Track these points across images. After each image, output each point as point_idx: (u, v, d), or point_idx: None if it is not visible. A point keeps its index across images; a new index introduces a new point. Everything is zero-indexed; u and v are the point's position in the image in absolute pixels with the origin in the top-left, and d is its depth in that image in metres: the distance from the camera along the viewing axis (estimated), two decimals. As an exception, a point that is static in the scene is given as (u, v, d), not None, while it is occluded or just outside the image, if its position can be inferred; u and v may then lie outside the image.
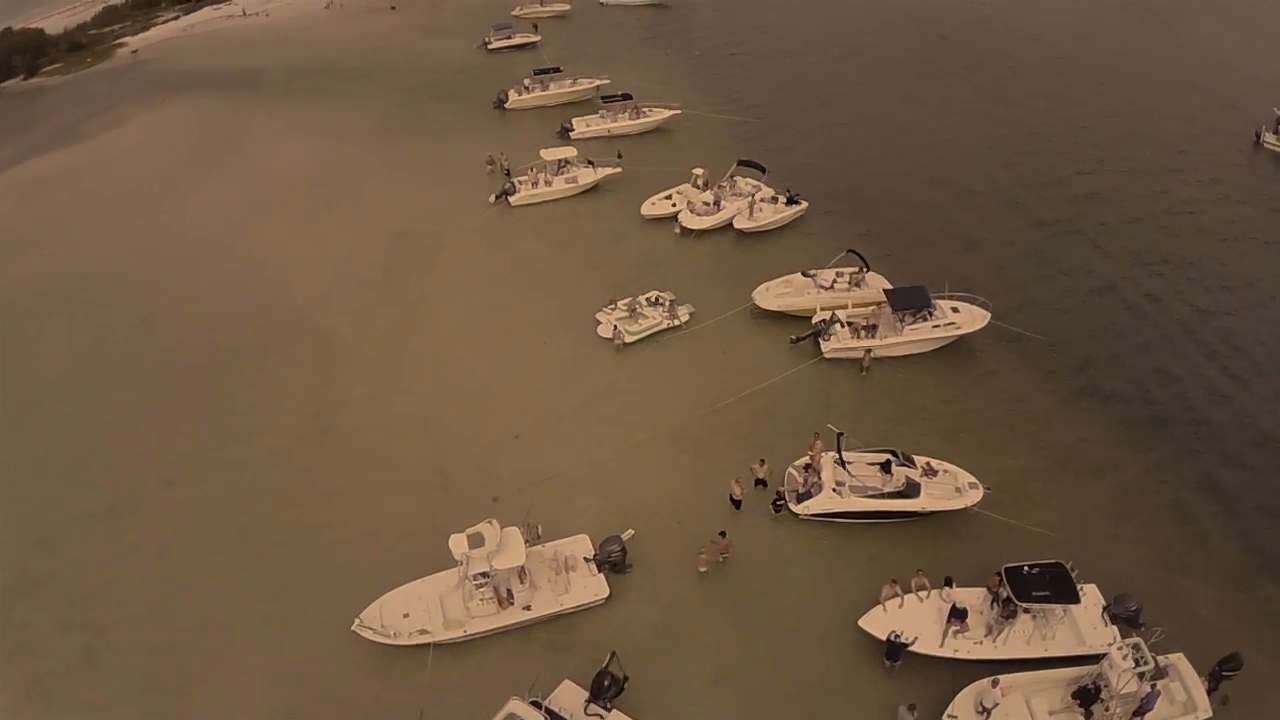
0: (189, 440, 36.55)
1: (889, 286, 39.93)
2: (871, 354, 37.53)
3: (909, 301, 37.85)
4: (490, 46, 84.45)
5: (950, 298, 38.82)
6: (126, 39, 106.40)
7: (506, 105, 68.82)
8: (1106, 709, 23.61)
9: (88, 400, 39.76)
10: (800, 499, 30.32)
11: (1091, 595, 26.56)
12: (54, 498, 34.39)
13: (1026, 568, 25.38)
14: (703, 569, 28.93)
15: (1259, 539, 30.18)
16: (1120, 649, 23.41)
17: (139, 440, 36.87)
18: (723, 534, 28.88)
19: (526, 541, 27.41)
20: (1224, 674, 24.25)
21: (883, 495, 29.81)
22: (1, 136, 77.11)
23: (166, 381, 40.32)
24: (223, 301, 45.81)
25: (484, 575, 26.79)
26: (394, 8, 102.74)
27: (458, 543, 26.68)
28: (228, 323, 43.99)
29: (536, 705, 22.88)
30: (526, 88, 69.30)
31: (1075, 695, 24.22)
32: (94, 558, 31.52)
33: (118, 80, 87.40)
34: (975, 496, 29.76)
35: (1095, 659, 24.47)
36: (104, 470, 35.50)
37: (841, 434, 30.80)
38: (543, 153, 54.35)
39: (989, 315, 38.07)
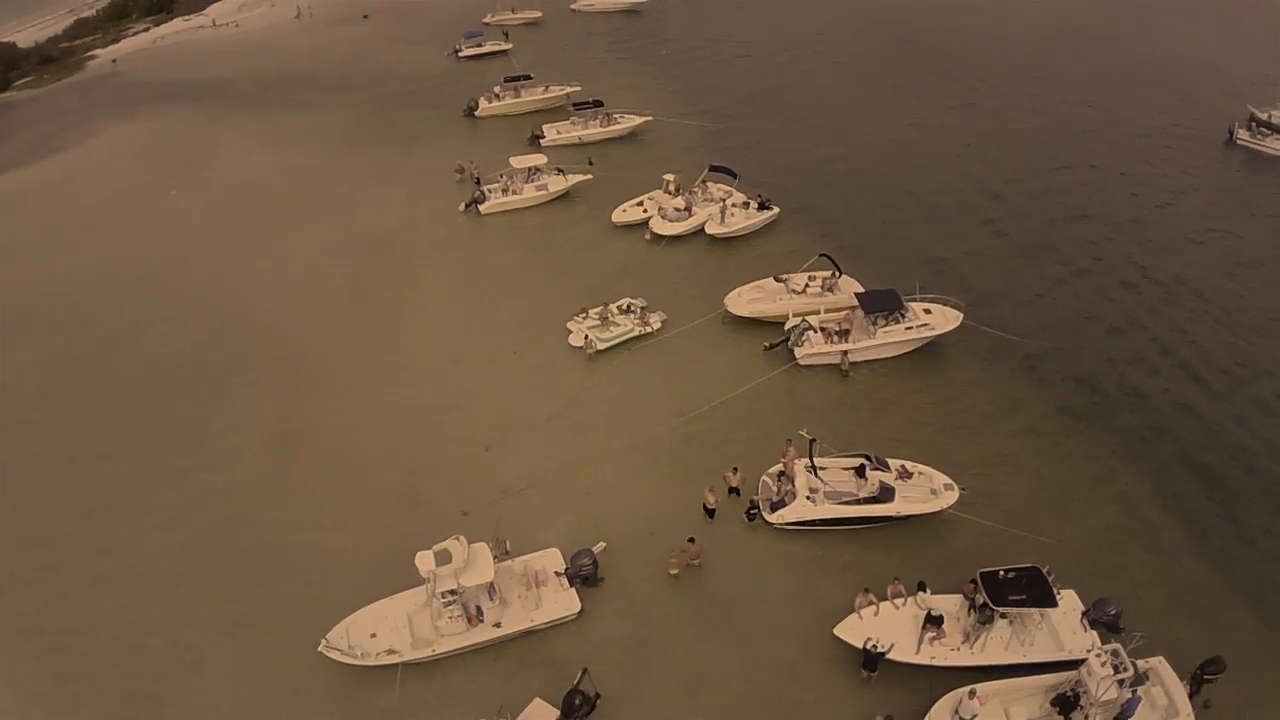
0: (151, 458, 35.61)
1: (861, 290, 39.68)
2: (849, 357, 37.22)
3: (881, 304, 37.66)
4: (461, 54, 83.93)
5: (922, 300, 38.63)
6: (97, 51, 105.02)
7: (477, 113, 68.31)
8: (1086, 716, 23.31)
9: (55, 412, 38.83)
10: (774, 507, 29.90)
11: (1070, 600, 26.35)
12: (19, 505, 33.74)
13: (1002, 572, 25.05)
14: (674, 571, 28.61)
15: (1245, 535, 30.26)
16: (1099, 655, 23.12)
17: (100, 459, 35.87)
18: (691, 540, 28.61)
19: (495, 557, 26.84)
20: (1206, 677, 24.00)
21: (857, 501, 29.45)
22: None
23: (133, 395, 39.40)
24: (192, 316, 44.82)
25: (452, 593, 26.19)
26: (366, 17, 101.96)
27: (424, 560, 26.05)
28: (196, 337, 43.03)
29: (506, 726, 22.31)
30: (497, 95, 68.84)
31: (1054, 703, 23.91)
32: (50, 581, 30.59)
33: (88, 93, 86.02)
34: (951, 498, 29.50)
35: (1075, 664, 24.12)
36: (60, 490, 34.51)
37: (814, 440, 30.42)
38: (512, 160, 53.80)
39: (961, 316, 37.98)
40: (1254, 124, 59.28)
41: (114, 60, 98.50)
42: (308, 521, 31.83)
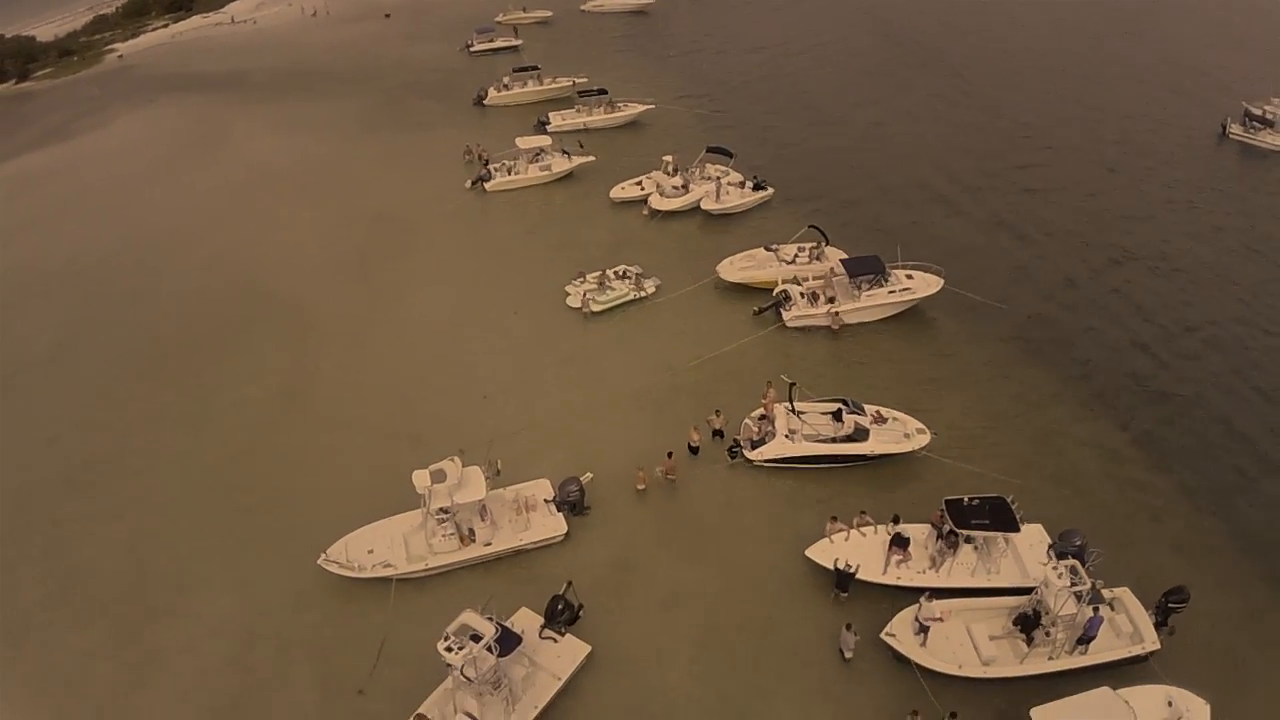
0: (166, 404, 37.44)
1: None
2: (840, 319, 38.71)
3: (864, 268, 39.19)
4: (472, 49, 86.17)
5: (904, 266, 40.11)
6: (116, 45, 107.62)
7: (485, 102, 70.26)
8: (1047, 634, 24.33)
9: (68, 371, 40.61)
10: (755, 446, 31.35)
11: (1036, 533, 27.40)
12: (37, 453, 35.34)
13: (967, 499, 26.33)
14: (640, 487, 30.38)
15: (1205, 478, 31.56)
16: (1055, 569, 24.28)
17: (117, 405, 37.74)
18: (669, 455, 30.39)
19: (487, 479, 28.28)
20: (1171, 606, 24.97)
21: (833, 440, 30.83)
22: (-7, 138, 78.17)
23: (146, 351, 41.22)
24: (203, 282, 46.64)
25: (445, 511, 27.66)
26: (388, 16, 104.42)
27: (420, 478, 27.49)
28: (207, 301, 44.82)
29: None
30: (505, 85, 70.84)
31: (1016, 621, 25.04)
32: (73, 504, 32.53)
33: (107, 84, 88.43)
34: (923, 441, 30.92)
35: (1040, 593, 25.23)
36: (82, 430, 36.40)
37: (794, 384, 31.94)
38: (518, 141, 55.70)
39: (942, 281, 39.40)
40: (1247, 118, 60.90)
41: (120, 55, 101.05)
42: (312, 457, 33.48)
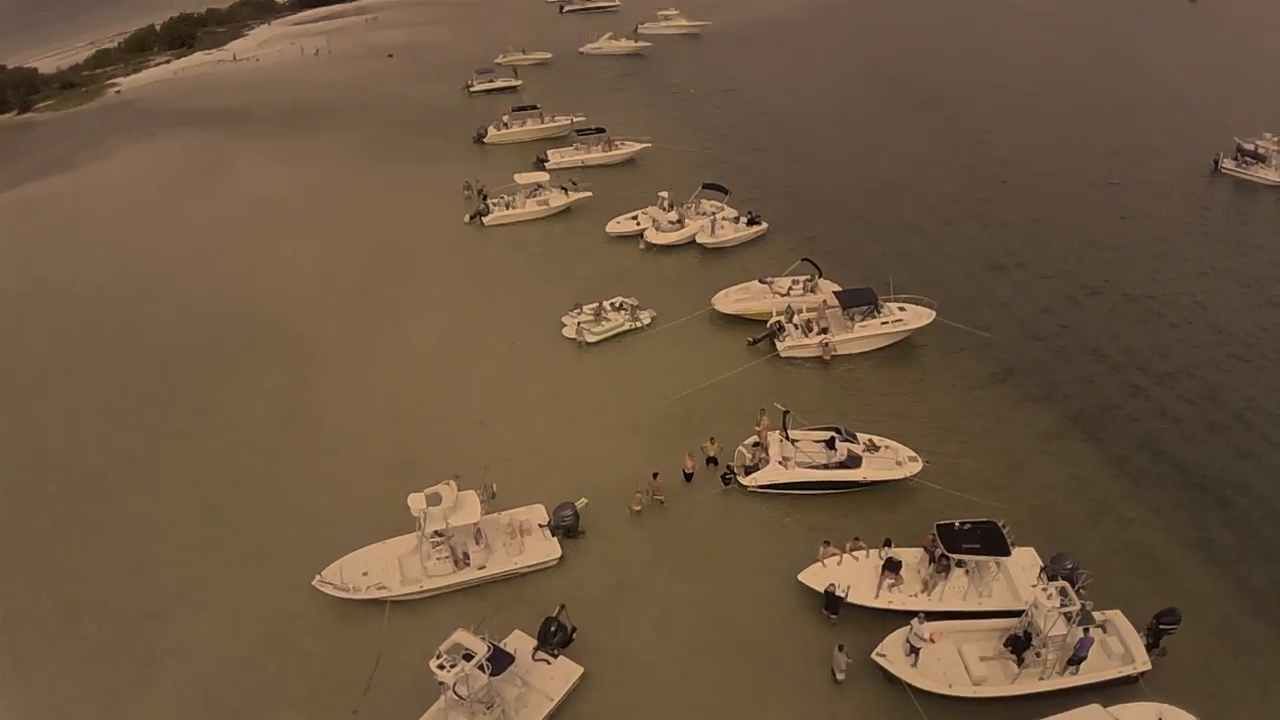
0: (167, 423, 37.86)
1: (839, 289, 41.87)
2: (833, 348, 39.22)
3: (857, 300, 39.81)
4: (473, 89, 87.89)
5: (897, 299, 40.70)
6: (118, 80, 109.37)
7: (485, 140, 71.50)
8: (1038, 655, 24.42)
9: (70, 390, 41.16)
10: (748, 472, 31.62)
11: (1028, 557, 27.62)
12: (36, 470, 35.75)
13: (959, 524, 26.57)
14: (636, 508, 30.67)
15: (1193, 501, 31.93)
16: (1045, 590, 24.45)
17: (119, 423, 38.21)
18: (655, 475, 30.76)
19: (483, 503, 28.49)
20: (1162, 627, 25.07)
21: (826, 466, 31.13)
22: (-5, 165, 79.35)
23: (146, 374, 41.86)
24: (204, 308, 47.31)
25: (440, 534, 27.83)
26: (391, 56, 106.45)
27: (416, 500, 27.74)
28: (208, 327, 45.41)
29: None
30: (505, 123, 72.14)
31: (1006, 643, 25.16)
32: (73, 519, 32.89)
33: (108, 117, 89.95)
34: (915, 468, 31.24)
35: (1032, 617, 25.36)
36: (82, 449, 36.81)
37: (787, 412, 32.29)
38: (517, 177, 56.70)
39: (934, 313, 39.97)
40: (1240, 153, 62.26)
41: (118, 91, 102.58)
42: (308, 479, 33.76)
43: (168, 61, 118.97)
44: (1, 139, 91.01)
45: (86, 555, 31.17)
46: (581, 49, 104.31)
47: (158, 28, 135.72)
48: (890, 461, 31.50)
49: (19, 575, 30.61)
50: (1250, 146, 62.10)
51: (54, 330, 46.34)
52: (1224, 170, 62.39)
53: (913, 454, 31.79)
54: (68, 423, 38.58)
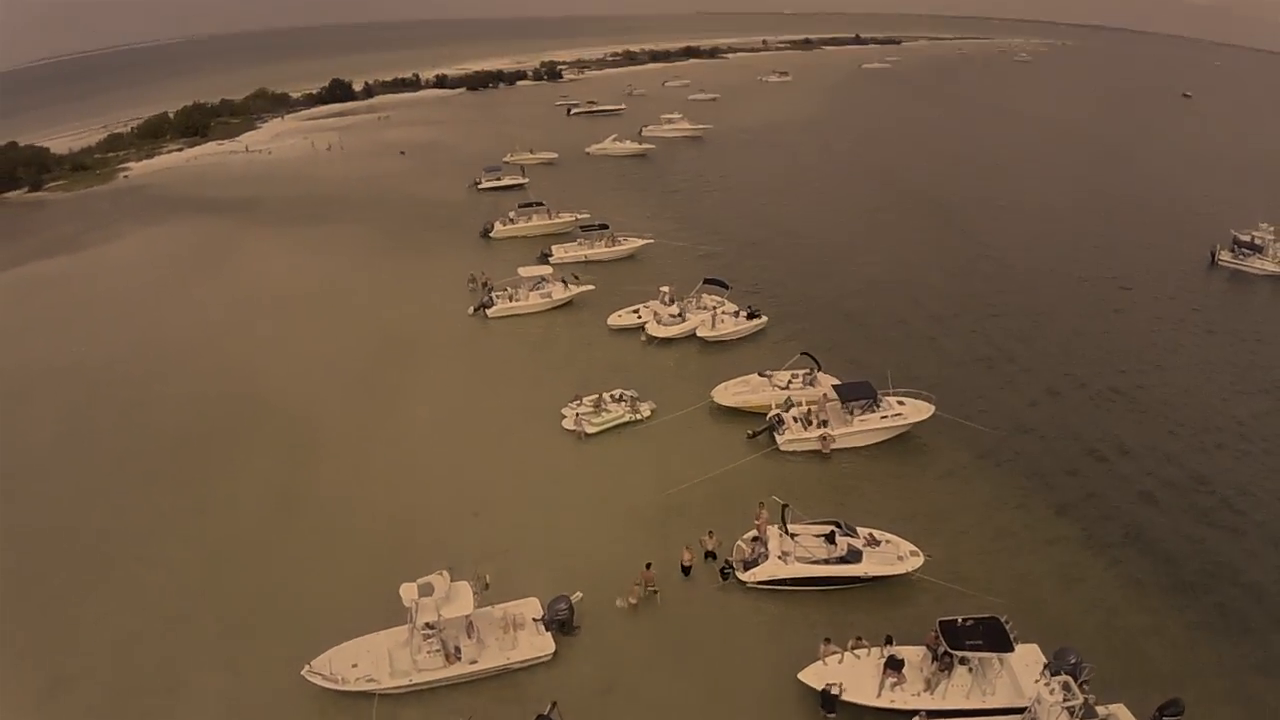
0: (166, 502, 37.57)
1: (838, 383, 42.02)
2: (831, 440, 39.04)
3: (856, 394, 39.90)
4: (480, 186, 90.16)
5: (895, 393, 40.81)
6: (130, 164, 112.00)
7: (491, 234, 72.93)
8: (1040, 751, 23.76)
9: (72, 466, 41.01)
10: (747, 567, 31.12)
11: (1032, 653, 26.97)
12: (33, 546, 35.32)
13: (961, 620, 26.08)
14: (633, 600, 30.07)
15: (1194, 597, 31.65)
16: (1048, 685, 23.88)
17: (119, 500, 37.92)
18: (648, 566, 30.22)
19: (476, 594, 27.97)
20: (1165, 719, 24.57)
21: (826, 561, 30.65)
22: (2, 241, 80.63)
23: (146, 454, 41.65)
24: (208, 390, 47.39)
25: (431, 626, 27.23)
26: (403, 153, 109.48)
27: (408, 590, 27.27)
28: (208, 409, 45.38)
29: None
30: (510, 219, 73.75)
31: (1011, 744, 24.46)
32: (68, 592, 32.40)
33: (119, 200, 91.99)
34: (916, 563, 30.77)
35: (1037, 716, 24.71)
36: (79, 527, 36.37)
37: (786, 505, 32.01)
38: (520, 270, 57.66)
39: (933, 408, 40.01)
40: (1236, 245, 63.39)
41: (127, 176, 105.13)
42: (302, 567, 33.11)
43: (180, 149, 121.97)
44: (11, 215, 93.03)
45: (79, 628, 30.59)
46: (588, 149, 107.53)
47: (172, 115, 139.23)
48: (891, 556, 31.07)
49: (13, 644, 30.02)
50: (1246, 238, 63.45)
51: (59, 407, 46.42)
52: (1220, 263, 63.58)
53: (914, 548, 31.39)
54: (64, 501, 38.23)
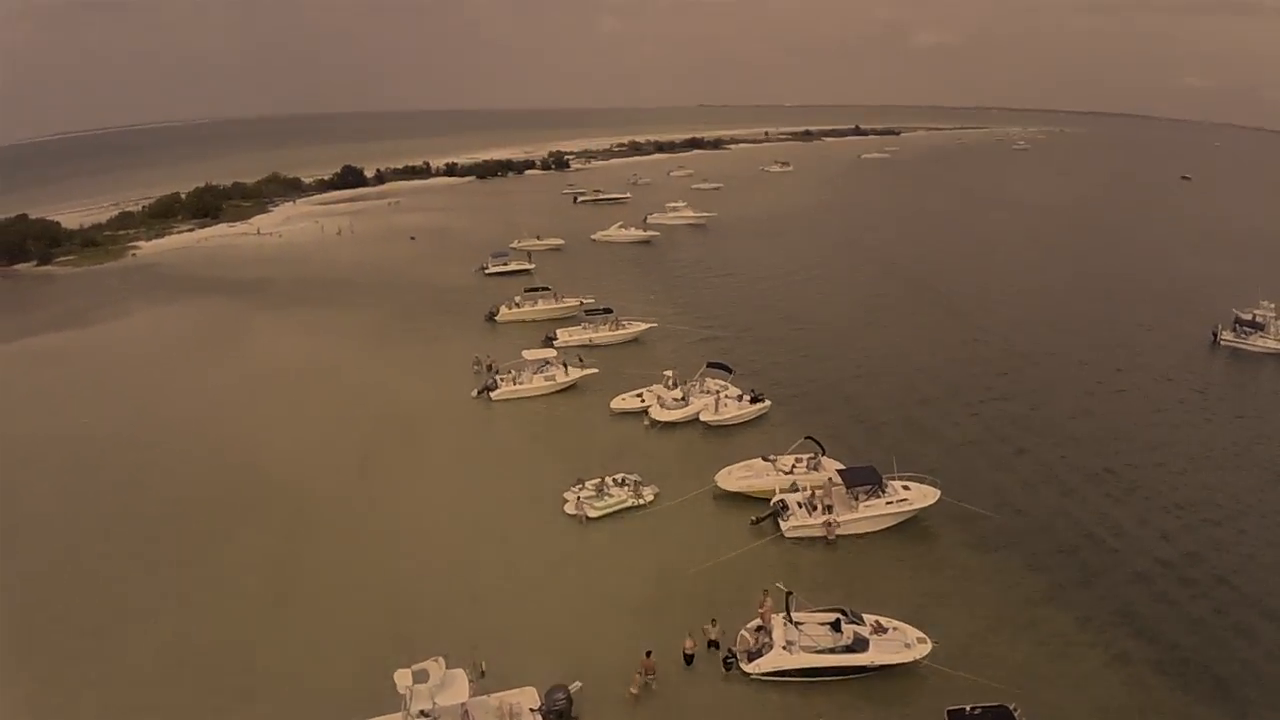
0: (158, 582, 36.90)
1: (842, 468, 41.72)
2: (836, 526, 38.58)
3: (861, 479, 39.60)
4: (488, 271, 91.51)
5: (900, 478, 40.49)
6: (140, 243, 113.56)
7: (497, 318, 73.71)
8: None
9: (68, 538, 40.61)
10: (751, 658, 30.37)
11: (1044, 750, 26.32)
12: (25, 618, 34.75)
13: (970, 708, 25.43)
14: (634, 690, 29.22)
15: (1206, 678, 30.99)
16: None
17: (110, 577, 37.30)
18: (649, 654, 29.49)
19: (471, 682, 27.25)
20: None
21: (833, 651, 29.92)
22: (10, 312, 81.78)
23: (144, 529, 41.22)
24: (206, 467, 47.13)
25: (426, 714, 26.40)
26: (414, 238, 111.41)
27: (402, 677, 26.50)
28: (208, 486, 45.06)
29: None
30: (516, 303, 74.62)
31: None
32: (49, 674, 31.52)
33: (128, 277, 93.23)
34: (924, 650, 30.02)
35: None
36: (73, 601, 35.78)
37: (790, 593, 31.40)
38: (525, 353, 58.05)
39: (939, 492, 39.64)
40: (1238, 324, 63.63)
41: (135, 255, 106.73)
42: (296, 650, 32.34)
43: (191, 230, 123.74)
44: (21, 287, 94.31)
45: (71, 704, 29.84)
46: (593, 236, 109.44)
47: (184, 196, 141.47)
48: (899, 644, 30.33)
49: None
50: (1248, 316, 63.86)
51: (58, 478, 46.26)
52: (1223, 342, 63.79)
53: (921, 635, 30.70)
54: (61, 572, 37.80)
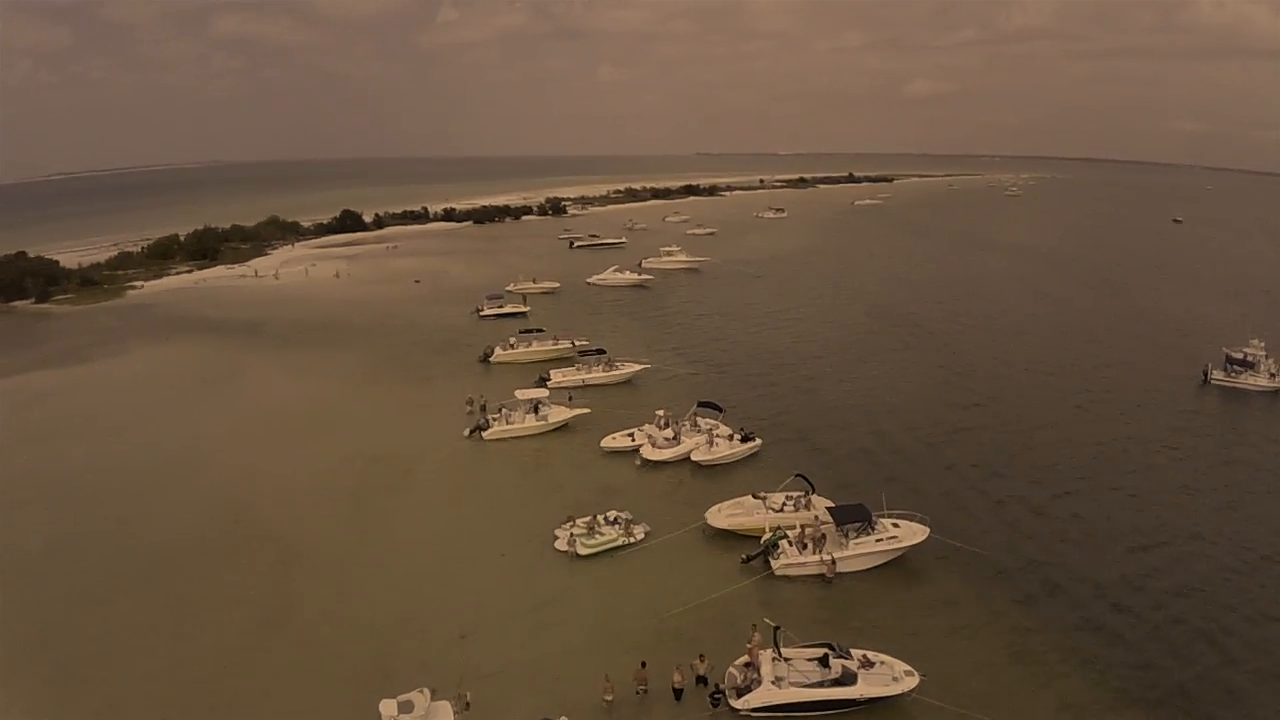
0: (147, 619, 36.77)
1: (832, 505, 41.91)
2: (834, 564, 38.68)
3: (851, 517, 39.77)
4: (483, 313, 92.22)
5: (890, 515, 40.66)
6: (139, 283, 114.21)
7: (491, 359, 74.17)
8: None
9: (62, 578, 40.35)
10: (740, 694, 30.29)
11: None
12: (16, 652, 34.63)
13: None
14: (608, 698, 29.68)
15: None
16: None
17: (101, 614, 37.21)
18: (643, 665, 30.20)
19: (456, 714, 27.22)
20: None
21: (820, 685, 29.89)
22: (6, 349, 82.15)
23: (135, 566, 41.09)
24: (198, 506, 47.10)
25: (410, 748, 26.38)
26: (418, 281, 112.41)
27: (387, 707, 26.67)
28: (199, 524, 44.99)
29: None
30: (511, 344, 75.22)
31: None
32: (44, 704, 31.39)
33: (125, 317, 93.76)
34: (912, 683, 30.00)
35: None
36: (63, 635, 35.71)
37: (778, 628, 31.41)
38: (517, 393, 58.44)
39: (928, 530, 39.80)
40: (1229, 363, 64.16)
41: (133, 293, 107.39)
42: (284, 686, 32.18)
43: (189, 271, 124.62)
44: (18, 325, 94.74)
45: None
46: (589, 280, 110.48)
47: (182, 237, 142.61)
48: (886, 677, 30.28)
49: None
50: (1239, 355, 64.45)
51: (50, 515, 46.20)
52: (1214, 381, 64.28)
53: (909, 668, 30.65)
54: (50, 608, 37.70)
